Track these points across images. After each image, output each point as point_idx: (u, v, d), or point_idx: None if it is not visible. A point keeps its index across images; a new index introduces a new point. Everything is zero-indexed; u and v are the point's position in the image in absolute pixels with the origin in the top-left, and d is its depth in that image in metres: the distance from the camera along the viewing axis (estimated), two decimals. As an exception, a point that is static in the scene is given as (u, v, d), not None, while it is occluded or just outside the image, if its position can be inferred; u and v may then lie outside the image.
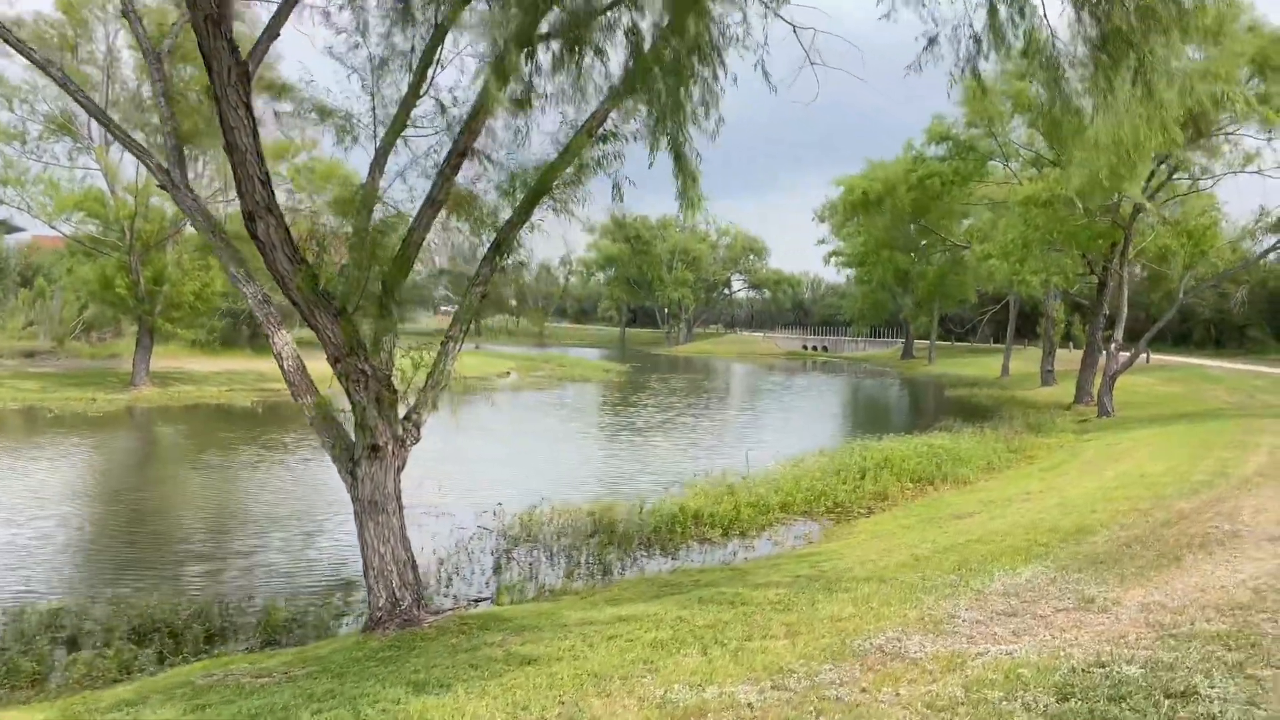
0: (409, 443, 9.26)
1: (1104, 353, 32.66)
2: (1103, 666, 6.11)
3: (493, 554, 13.58)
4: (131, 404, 33.16)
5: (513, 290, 10.49)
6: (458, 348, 9.66)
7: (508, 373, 55.34)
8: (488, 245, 9.65)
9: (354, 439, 9.26)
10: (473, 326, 10.39)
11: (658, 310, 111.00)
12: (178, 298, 36.15)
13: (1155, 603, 8.00)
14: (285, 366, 9.36)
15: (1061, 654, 6.59)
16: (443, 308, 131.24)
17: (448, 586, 11.96)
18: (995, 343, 73.46)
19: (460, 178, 9.39)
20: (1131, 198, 30.02)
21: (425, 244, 9.60)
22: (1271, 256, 61.89)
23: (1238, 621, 7.07)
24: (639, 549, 14.31)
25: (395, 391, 9.13)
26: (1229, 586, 8.37)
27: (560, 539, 14.49)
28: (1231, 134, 28.71)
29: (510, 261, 9.52)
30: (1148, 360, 55.46)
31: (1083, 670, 6.07)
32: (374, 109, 9.92)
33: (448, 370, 9.56)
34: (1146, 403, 36.19)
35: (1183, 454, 19.87)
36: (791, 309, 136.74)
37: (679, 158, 8.25)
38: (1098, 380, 33.18)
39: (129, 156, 31.89)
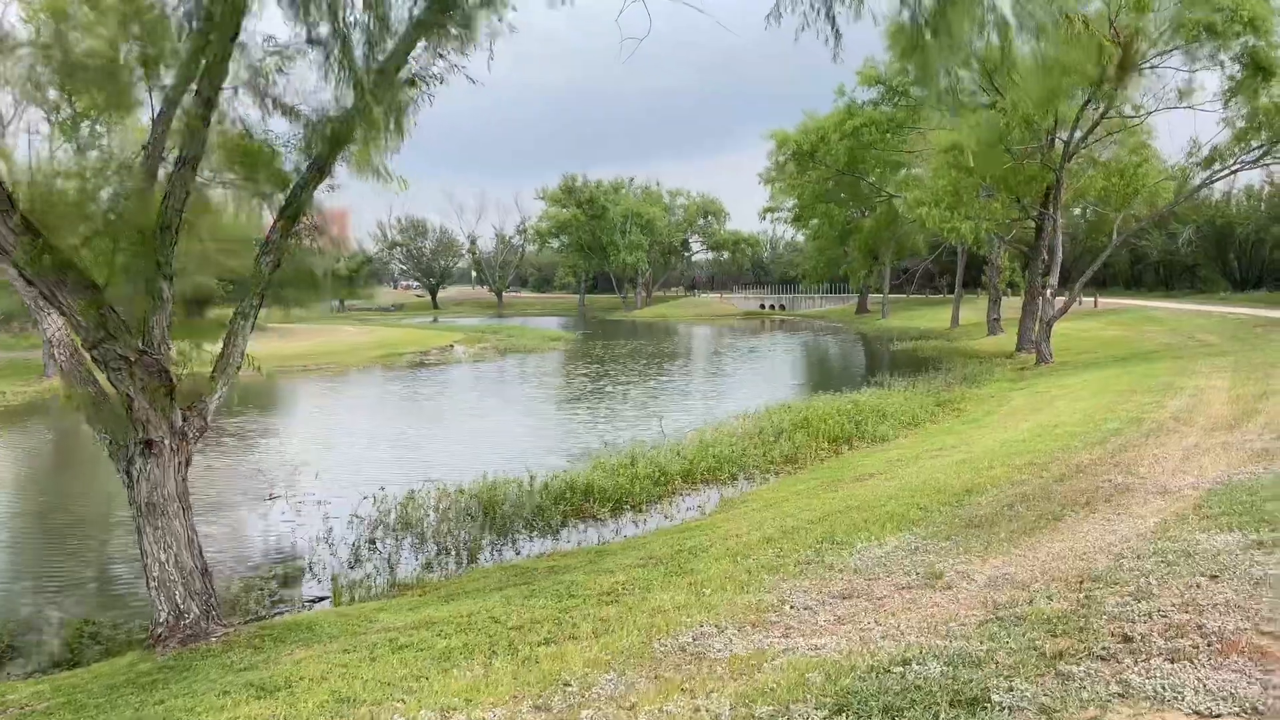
0: (192, 437, 8.26)
1: (1041, 299, 32.03)
2: (906, 664, 5.30)
3: (353, 546, 12.63)
4: (38, 396, 31.77)
5: (321, 260, 9.23)
6: (249, 326, 8.62)
7: (451, 345, 54.05)
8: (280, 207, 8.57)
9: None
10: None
11: (613, 276, 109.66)
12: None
13: (1005, 576, 7.23)
14: (55, 353, 8.32)
15: (872, 647, 5.79)
16: (404, 282, 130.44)
17: (288, 587, 11.01)
18: (950, 293, 73.03)
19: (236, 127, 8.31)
20: (1061, 127, 29.34)
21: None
22: (1216, 194, 61.91)
23: (1080, 599, 6.29)
24: (520, 531, 13.43)
25: (171, 380, 8.12)
26: (1092, 552, 7.61)
27: (441, 524, 13.56)
28: (1158, 66, 27.96)
29: (307, 226, 8.46)
30: (1095, 305, 55.30)
31: (882, 670, 5.26)
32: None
33: (239, 353, 8.53)
34: (1087, 348, 35.73)
35: (1104, 401, 19.28)
36: (751, 269, 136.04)
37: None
38: (1037, 328, 32.61)
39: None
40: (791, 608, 7.02)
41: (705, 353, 49.71)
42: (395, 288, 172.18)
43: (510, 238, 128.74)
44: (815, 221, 45.26)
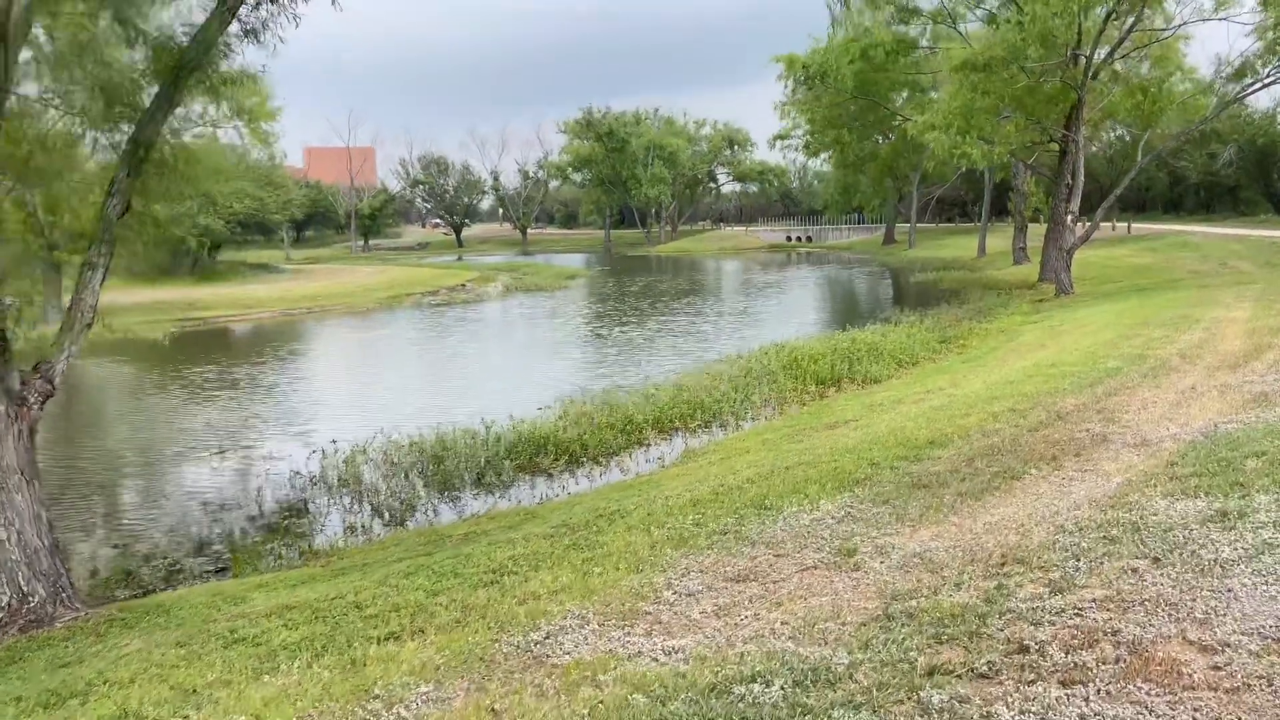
0: (34, 402, 7.48)
1: (1062, 227, 30.46)
2: (751, 681, 4.43)
3: (280, 508, 11.94)
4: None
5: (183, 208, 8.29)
6: (97, 278, 7.77)
7: (463, 284, 53.32)
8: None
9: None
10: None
11: (635, 211, 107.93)
12: (79, 226, 34.02)
13: (925, 553, 6.30)
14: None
15: (729, 654, 4.92)
16: (432, 220, 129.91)
17: (196, 555, 10.34)
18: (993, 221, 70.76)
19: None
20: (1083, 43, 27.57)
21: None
22: (1258, 111, 58.93)
23: (992, 589, 5.36)
24: (464, 488, 12.67)
25: (4, 339, 7.32)
26: (1033, 523, 6.66)
27: (382, 482, 12.84)
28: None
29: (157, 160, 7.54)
30: (1129, 230, 53.16)
31: (721, 689, 4.39)
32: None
33: (89, 308, 7.70)
34: (1112, 276, 34.20)
35: (1112, 335, 18.08)
36: (780, 200, 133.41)
37: None
38: (1058, 257, 31.07)
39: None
40: (674, 594, 6.15)
41: (718, 289, 48.59)
42: (424, 226, 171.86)
43: (533, 173, 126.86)
44: (826, 149, 43.40)
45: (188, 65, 7.43)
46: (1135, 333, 17.62)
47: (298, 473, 13.39)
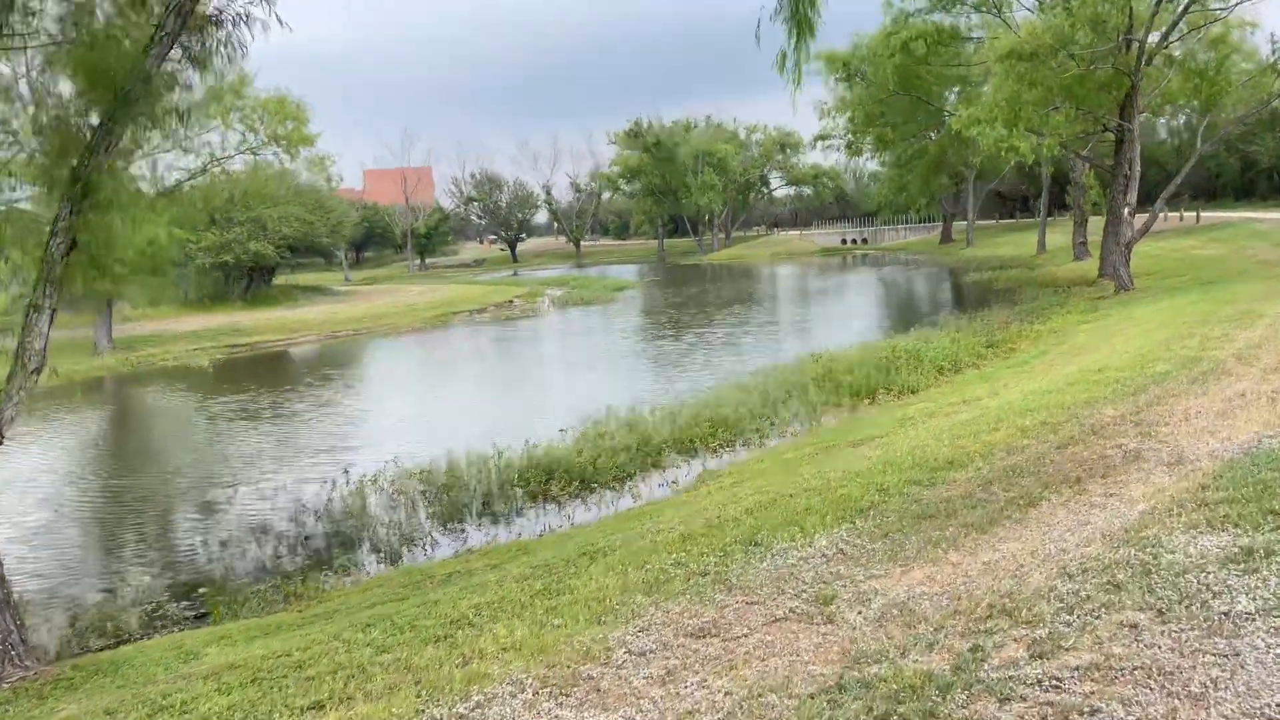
0: (-20, 451, 7.21)
1: (1120, 220, 29.15)
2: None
3: (278, 543, 11.64)
4: (89, 374, 32.04)
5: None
6: (45, 320, 7.47)
7: (511, 301, 53.36)
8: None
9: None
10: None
11: (686, 219, 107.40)
12: (124, 255, 34.58)
13: (909, 602, 5.67)
14: None
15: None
16: (489, 236, 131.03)
17: (181, 600, 10.04)
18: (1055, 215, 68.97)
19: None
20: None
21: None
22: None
23: (966, 650, 4.71)
24: (471, 518, 12.25)
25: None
26: (1035, 562, 5.99)
27: (384, 513, 12.49)
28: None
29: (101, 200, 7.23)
30: (1197, 220, 51.03)
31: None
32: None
33: (38, 354, 7.41)
34: (1175, 270, 32.68)
35: (1166, 335, 17.03)
36: (835, 202, 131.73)
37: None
38: (1116, 251, 29.73)
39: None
40: (625, 653, 5.59)
41: (767, 296, 47.82)
42: (481, 242, 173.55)
43: (585, 185, 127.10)
44: (869, 148, 42.16)
45: (127, 97, 7.12)
46: (1192, 331, 16.55)
47: (304, 505, 13.11)
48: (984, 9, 30.91)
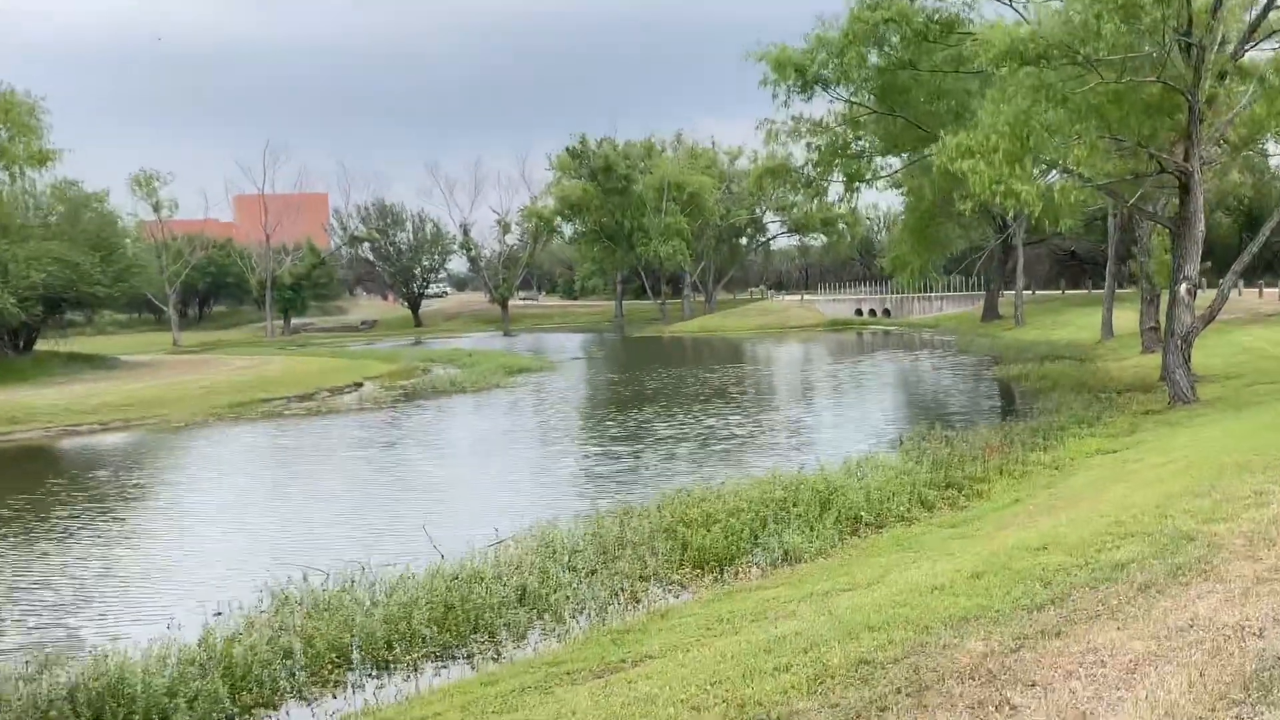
0: None
1: (1174, 302, 27.45)
2: None
3: None
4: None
5: None
6: None
7: (359, 383, 51.52)
8: None
9: None
10: None
11: (642, 274, 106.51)
12: None
13: None
14: None
15: None
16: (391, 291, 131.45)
17: None
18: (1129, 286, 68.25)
19: None
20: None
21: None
22: None
23: None
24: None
25: None
26: None
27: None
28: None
29: None
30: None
31: None
32: None
33: None
34: (1269, 371, 31.08)
35: (1184, 483, 15.16)
36: (860, 258, 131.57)
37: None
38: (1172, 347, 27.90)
39: None
40: None
41: (710, 391, 45.85)
42: (387, 298, 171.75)
43: (517, 224, 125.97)
44: (837, 184, 39.82)
45: None
46: (1215, 483, 14.50)
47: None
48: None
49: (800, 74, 32.57)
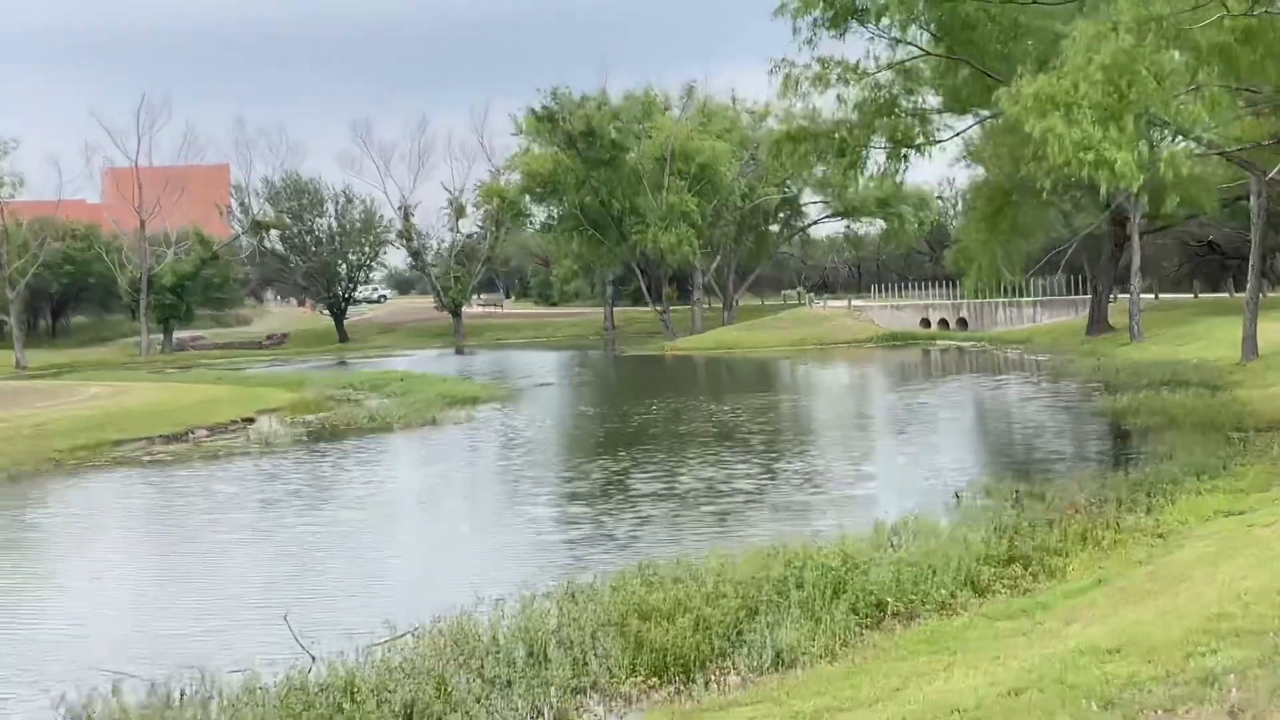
0: None
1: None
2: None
3: None
4: None
5: None
6: None
7: (251, 417, 51.54)
8: None
9: None
10: None
11: (637, 272, 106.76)
12: None
13: None
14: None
15: None
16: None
17: None
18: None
19: None
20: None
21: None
22: None
23: None
24: None
25: None
26: None
27: None
28: None
29: None
30: None
31: None
32: None
33: None
34: None
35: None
36: (930, 252, 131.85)
37: None
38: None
39: None
40: None
41: (709, 440, 45.93)
42: (305, 305, 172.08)
43: (474, 205, 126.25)
44: (881, 156, 39.61)
45: None
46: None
47: None
48: None
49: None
